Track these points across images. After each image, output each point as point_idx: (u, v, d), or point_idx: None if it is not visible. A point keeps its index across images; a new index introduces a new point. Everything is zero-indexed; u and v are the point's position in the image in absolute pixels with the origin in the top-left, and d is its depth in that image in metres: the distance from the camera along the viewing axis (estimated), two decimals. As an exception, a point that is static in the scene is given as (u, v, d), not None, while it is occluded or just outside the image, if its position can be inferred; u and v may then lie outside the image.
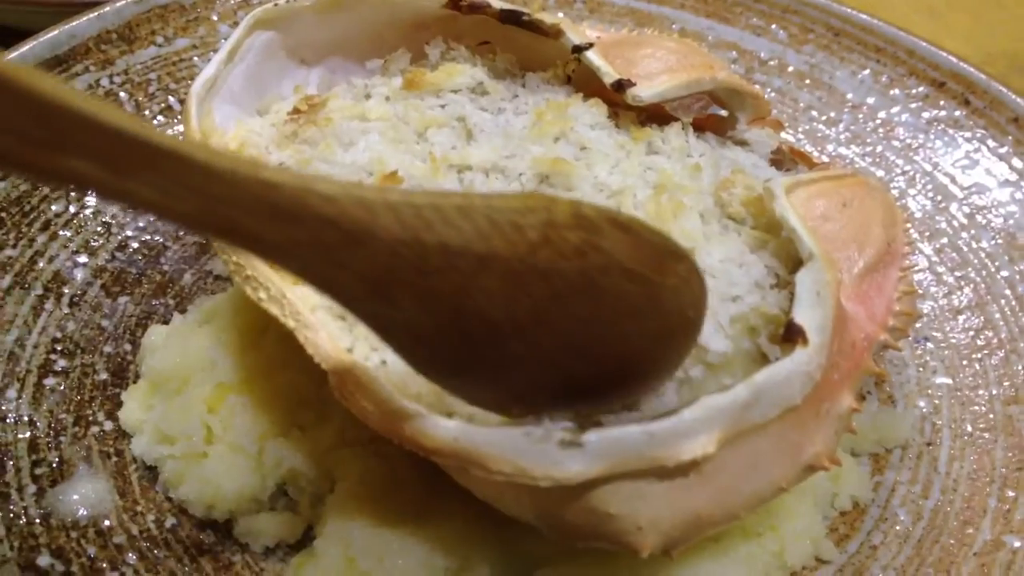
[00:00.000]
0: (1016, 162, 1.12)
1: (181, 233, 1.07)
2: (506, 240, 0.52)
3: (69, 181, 0.42)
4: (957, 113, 1.17)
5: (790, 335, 0.68)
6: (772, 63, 1.27)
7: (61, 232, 1.02)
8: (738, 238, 0.78)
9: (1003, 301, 1.03)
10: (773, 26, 1.28)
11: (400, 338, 0.58)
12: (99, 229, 1.04)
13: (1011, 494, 0.89)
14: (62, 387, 0.91)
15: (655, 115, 0.91)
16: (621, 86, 0.87)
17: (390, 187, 0.50)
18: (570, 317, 0.56)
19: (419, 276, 0.51)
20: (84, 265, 1.01)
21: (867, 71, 1.23)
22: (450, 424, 0.63)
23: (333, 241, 0.48)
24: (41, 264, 0.99)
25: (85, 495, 0.84)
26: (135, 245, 1.05)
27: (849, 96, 1.23)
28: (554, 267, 0.53)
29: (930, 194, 1.14)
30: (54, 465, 0.86)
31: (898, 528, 0.88)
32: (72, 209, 1.04)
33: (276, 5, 0.93)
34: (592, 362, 0.59)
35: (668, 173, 0.83)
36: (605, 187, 0.80)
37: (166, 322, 0.98)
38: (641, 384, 0.63)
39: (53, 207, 1.03)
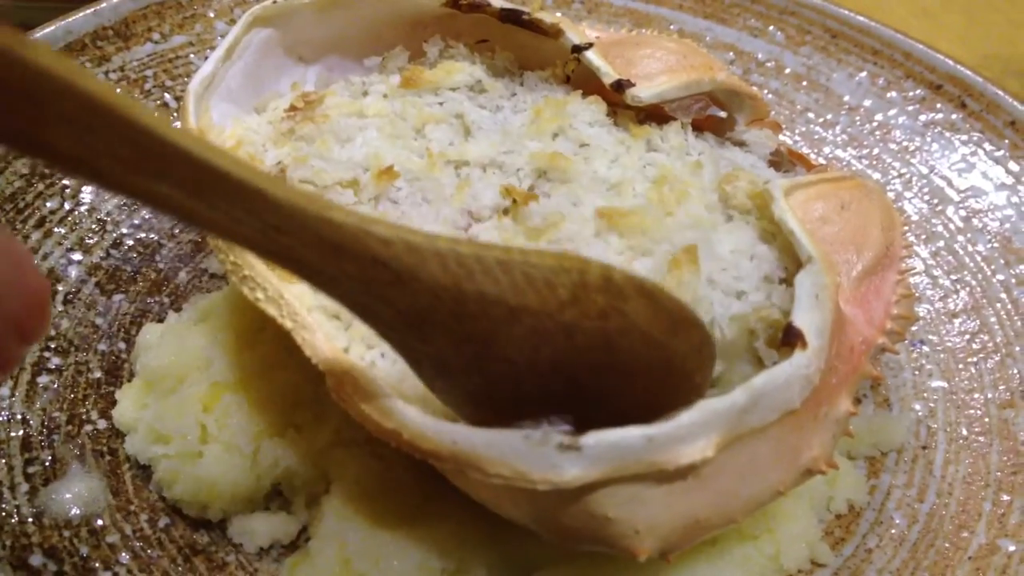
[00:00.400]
0: (1012, 165, 1.12)
1: (176, 231, 1.07)
2: (538, 295, 0.56)
3: (152, 202, 0.46)
4: (954, 116, 1.17)
5: (789, 338, 0.68)
6: (769, 64, 1.26)
7: (56, 229, 1.01)
8: (748, 227, 0.78)
9: (999, 305, 1.03)
10: (771, 27, 1.28)
11: (426, 369, 0.63)
12: (94, 226, 1.03)
13: (1006, 498, 0.89)
14: (56, 385, 0.91)
15: (654, 115, 0.91)
16: (621, 86, 0.87)
17: (438, 235, 0.53)
18: (584, 368, 0.60)
19: (454, 319, 0.56)
20: (78, 263, 1.00)
21: (864, 73, 1.23)
22: (448, 427, 0.63)
23: (382, 279, 0.52)
24: (35, 261, 0.98)
25: (78, 494, 0.84)
26: (130, 243, 1.04)
27: (846, 98, 1.23)
28: (578, 325, 0.57)
29: (926, 197, 1.14)
30: (47, 464, 0.85)
31: (893, 532, 0.88)
32: (67, 206, 1.03)
33: (275, 2, 0.92)
34: (597, 406, 0.62)
35: (669, 167, 0.82)
36: (604, 180, 0.80)
37: (161, 320, 0.98)
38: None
39: (48, 204, 1.02)
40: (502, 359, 0.59)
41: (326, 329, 0.71)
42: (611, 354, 0.60)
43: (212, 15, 1.20)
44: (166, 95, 1.15)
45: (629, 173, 0.81)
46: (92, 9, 1.14)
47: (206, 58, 0.92)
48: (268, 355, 0.87)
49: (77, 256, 1.01)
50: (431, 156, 0.81)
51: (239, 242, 0.50)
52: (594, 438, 0.61)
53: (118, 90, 0.40)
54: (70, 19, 1.12)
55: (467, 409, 0.66)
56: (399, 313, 0.56)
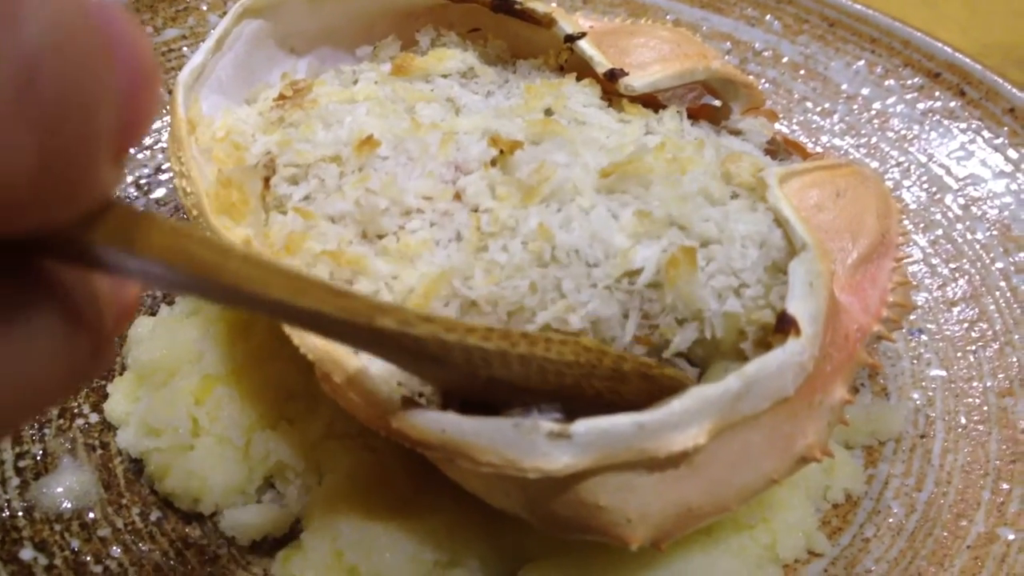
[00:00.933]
0: (1011, 153, 1.11)
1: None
2: (544, 381, 0.60)
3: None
4: (952, 104, 1.17)
5: (782, 326, 0.67)
6: (767, 54, 1.26)
7: (48, 223, 1.01)
8: (761, 209, 0.76)
9: (998, 293, 1.03)
10: (767, 16, 1.27)
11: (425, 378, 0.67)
12: (86, 220, 1.03)
13: (1005, 486, 0.88)
14: (48, 379, 0.90)
15: (648, 104, 0.90)
16: (614, 75, 0.86)
17: (473, 328, 0.56)
18: (566, 399, 0.63)
19: (463, 377, 0.59)
20: (71, 256, 1.00)
21: (862, 62, 1.22)
22: (437, 416, 0.62)
23: (408, 357, 0.57)
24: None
25: (69, 488, 0.83)
26: (123, 236, 1.03)
27: (844, 87, 1.22)
28: (570, 396, 0.62)
29: (925, 185, 1.13)
30: (38, 458, 0.85)
31: (891, 521, 0.87)
32: (59, 200, 1.03)
33: (265, -7, 0.92)
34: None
35: (671, 139, 0.81)
36: (603, 146, 0.78)
37: (153, 314, 0.97)
38: None
39: (40, 198, 1.02)
40: (499, 394, 0.63)
41: (315, 318, 0.71)
42: (592, 403, 0.63)
43: (205, 8, 1.20)
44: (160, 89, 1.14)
45: (629, 140, 0.79)
46: (84, 3, 1.13)
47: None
48: (260, 347, 0.86)
49: (70, 250, 1.00)
50: (416, 123, 0.80)
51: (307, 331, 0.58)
52: (584, 426, 0.61)
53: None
54: (62, 13, 1.11)
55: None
56: (416, 365, 0.60)
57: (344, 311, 0.49)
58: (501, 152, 0.75)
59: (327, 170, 0.78)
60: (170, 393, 0.85)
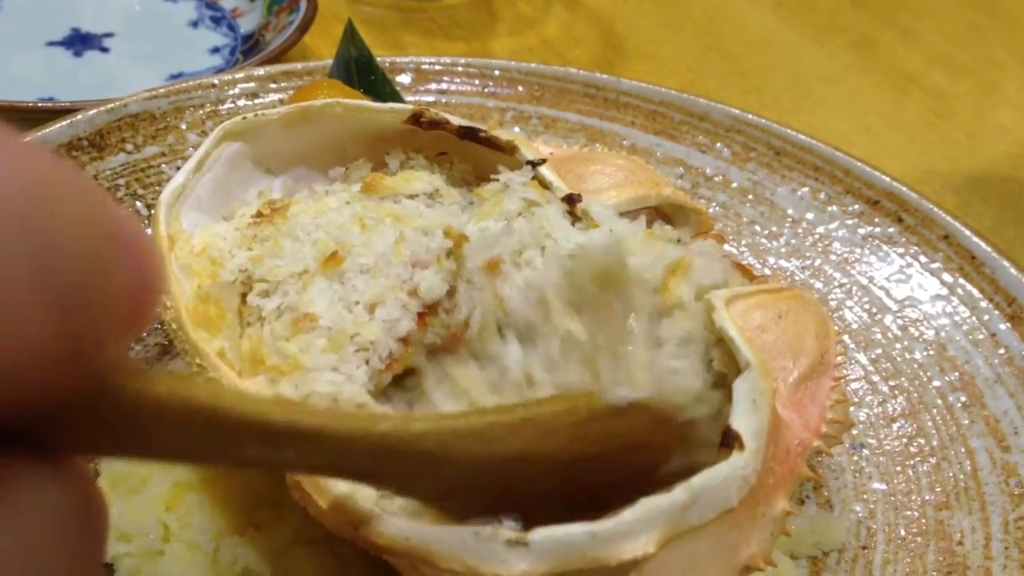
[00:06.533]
0: (946, 277, 1.18)
1: (143, 335, 1.10)
2: (534, 442, 0.59)
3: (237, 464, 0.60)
4: (891, 230, 1.23)
5: (727, 440, 0.71)
6: (717, 179, 1.32)
7: (24, 331, 1.03)
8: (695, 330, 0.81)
9: (935, 410, 1.08)
10: (718, 144, 1.34)
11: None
12: (62, 328, 1.06)
13: (943, 597, 0.92)
14: (20, 484, 0.92)
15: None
16: (571, 200, 0.92)
17: (445, 414, 0.60)
18: (563, 481, 0.64)
19: (433, 476, 0.58)
20: (46, 364, 1.02)
21: (806, 188, 1.29)
22: (401, 523, 0.65)
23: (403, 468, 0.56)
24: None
25: (41, 594, 0.84)
26: (97, 344, 1.06)
27: (789, 211, 1.29)
28: (572, 457, 0.61)
29: (866, 306, 1.19)
30: (9, 562, 0.86)
31: (835, 630, 0.91)
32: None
33: (244, 118, 0.97)
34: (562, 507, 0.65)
35: None
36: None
37: (126, 421, 0.99)
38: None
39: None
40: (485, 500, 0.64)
41: (286, 428, 0.74)
42: (593, 468, 0.64)
43: (184, 127, 1.25)
44: (137, 203, 1.19)
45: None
46: (68, 120, 1.18)
47: (177, 167, 0.96)
48: (230, 455, 0.89)
49: (45, 358, 1.03)
50: (363, 223, 0.85)
51: (309, 473, 0.58)
52: (540, 534, 0.64)
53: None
54: (46, 130, 1.16)
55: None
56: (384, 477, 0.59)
57: (347, 423, 0.49)
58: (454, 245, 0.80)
59: (295, 285, 0.82)
60: (142, 500, 0.87)
